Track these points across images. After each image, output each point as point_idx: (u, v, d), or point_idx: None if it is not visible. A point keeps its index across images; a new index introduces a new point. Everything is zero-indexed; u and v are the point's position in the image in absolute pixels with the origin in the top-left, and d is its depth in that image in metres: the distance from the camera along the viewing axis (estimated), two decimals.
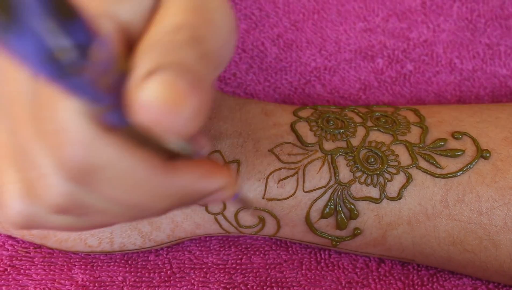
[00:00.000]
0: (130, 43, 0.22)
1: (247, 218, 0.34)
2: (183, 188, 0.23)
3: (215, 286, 0.35)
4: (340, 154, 0.33)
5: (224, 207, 0.34)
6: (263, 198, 0.33)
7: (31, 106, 0.22)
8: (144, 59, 0.19)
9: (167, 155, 0.22)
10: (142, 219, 0.26)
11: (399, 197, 0.32)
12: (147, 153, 0.21)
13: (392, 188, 0.33)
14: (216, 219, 0.34)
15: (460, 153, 0.33)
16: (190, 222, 0.34)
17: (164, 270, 0.35)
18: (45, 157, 0.22)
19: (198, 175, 0.23)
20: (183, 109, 0.18)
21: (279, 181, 0.33)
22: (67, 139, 0.20)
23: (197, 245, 0.37)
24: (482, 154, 0.33)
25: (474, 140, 0.34)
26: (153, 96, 0.18)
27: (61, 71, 0.17)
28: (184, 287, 0.35)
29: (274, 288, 0.35)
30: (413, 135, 0.34)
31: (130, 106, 0.19)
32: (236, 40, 0.25)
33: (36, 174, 0.22)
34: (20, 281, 0.34)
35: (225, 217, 0.34)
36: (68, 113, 0.20)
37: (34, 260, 0.35)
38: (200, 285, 0.35)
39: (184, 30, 0.21)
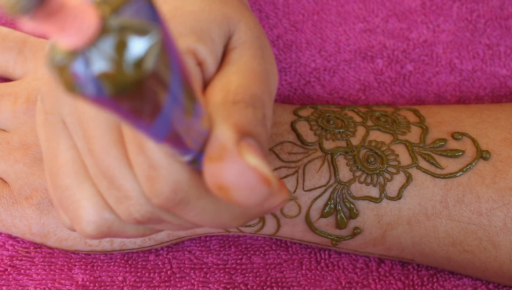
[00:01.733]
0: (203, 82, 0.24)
1: None
2: (255, 209, 0.25)
3: (215, 286, 0.35)
4: (340, 154, 0.33)
5: None
6: None
7: (112, 131, 0.23)
8: (229, 120, 0.21)
9: None
10: None
11: (398, 196, 0.33)
12: None
13: (392, 187, 0.33)
14: None
15: (460, 153, 0.33)
16: None
17: (164, 270, 0.35)
18: (129, 178, 0.23)
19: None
20: (269, 188, 0.21)
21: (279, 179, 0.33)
22: (160, 175, 0.22)
23: (197, 245, 0.37)
24: (482, 155, 0.33)
25: (474, 141, 0.34)
26: (255, 164, 0.20)
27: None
28: (184, 287, 0.35)
29: (274, 288, 0.35)
30: (413, 135, 0.34)
31: (225, 161, 0.20)
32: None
33: (120, 195, 0.24)
34: (21, 281, 0.34)
35: None
36: (159, 152, 0.22)
37: (35, 260, 0.35)
38: (200, 285, 0.35)
39: (256, 100, 0.23)
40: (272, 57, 0.27)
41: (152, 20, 0.14)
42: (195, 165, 0.22)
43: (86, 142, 0.24)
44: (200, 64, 0.24)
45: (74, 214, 0.25)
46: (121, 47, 0.14)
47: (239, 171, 0.20)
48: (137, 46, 0.14)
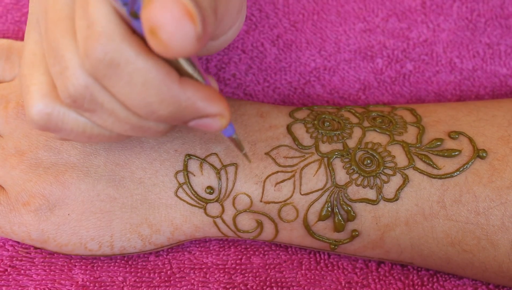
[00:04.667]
0: None
1: (245, 222, 0.35)
2: (186, 101, 0.25)
3: (215, 286, 0.35)
4: (336, 157, 0.33)
5: (223, 211, 0.34)
6: (261, 201, 0.33)
7: (67, 7, 0.25)
8: None
9: (179, 73, 0.25)
10: (144, 136, 0.29)
11: (395, 198, 0.33)
12: (162, 60, 0.24)
13: (389, 189, 0.33)
14: (214, 223, 0.34)
15: (456, 153, 0.33)
16: (190, 224, 0.34)
17: (164, 270, 0.36)
18: (71, 49, 0.25)
19: (202, 96, 0.26)
20: (194, 26, 0.21)
21: (276, 184, 0.33)
22: (94, 32, 0.23)
23: (197, 245, 0.37)
24: (479, 153, 0.33)
25: (470, 140, 0.34)
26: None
27: None
28: (184, 287, 0.35)
29: (274, 288, 0.35)
30: (410, 135, 0.34)
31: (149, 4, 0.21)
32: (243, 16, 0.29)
33: (60, 67, 0.25)
34: (20, 282, 0.34)
35: (223, 221, 0.34)
36: (100, 9, 0.23)
37: (35, 260, 0.35)
38: (200, 285, 0.35)
39: None
40: None
41: None
42: (133, 18, 0.23)
43: (45, 21, 0.26)
44: None
45: (25, 99, 0.27)
46: None
47: (165, 5, 0.21)
48: None
